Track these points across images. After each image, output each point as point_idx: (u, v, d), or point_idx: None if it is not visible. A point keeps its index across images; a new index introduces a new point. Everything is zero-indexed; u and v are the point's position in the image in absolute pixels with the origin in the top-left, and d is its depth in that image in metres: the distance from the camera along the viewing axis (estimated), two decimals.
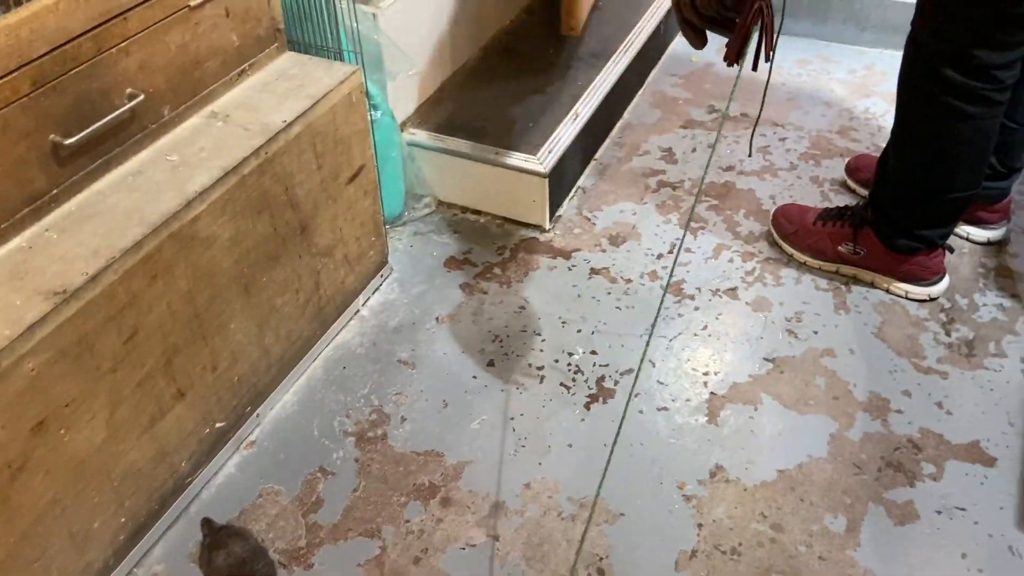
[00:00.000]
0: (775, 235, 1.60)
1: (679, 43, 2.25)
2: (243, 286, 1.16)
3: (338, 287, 1.40)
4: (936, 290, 1.46)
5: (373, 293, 1.52)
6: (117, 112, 1.03)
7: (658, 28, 2.07)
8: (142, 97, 1.06)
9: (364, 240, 1.43)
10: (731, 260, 1.59)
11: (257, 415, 1.28)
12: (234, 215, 1.10)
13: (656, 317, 1.45)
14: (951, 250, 1.46)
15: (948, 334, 1.42)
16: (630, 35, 1.98)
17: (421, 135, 1.67)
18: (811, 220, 1.55)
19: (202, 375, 1.14)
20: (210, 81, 1.17)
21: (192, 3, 1.09)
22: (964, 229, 1.58)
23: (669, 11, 2.11)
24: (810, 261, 1.55)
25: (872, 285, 1.51)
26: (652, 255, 1.61)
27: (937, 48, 1.20)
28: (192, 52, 1.12)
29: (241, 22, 1.18)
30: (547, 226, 1.67)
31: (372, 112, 1.51)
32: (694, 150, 1.87)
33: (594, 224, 1.68)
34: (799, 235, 1.55)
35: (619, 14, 2.07)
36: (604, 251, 1.62)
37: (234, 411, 1.22)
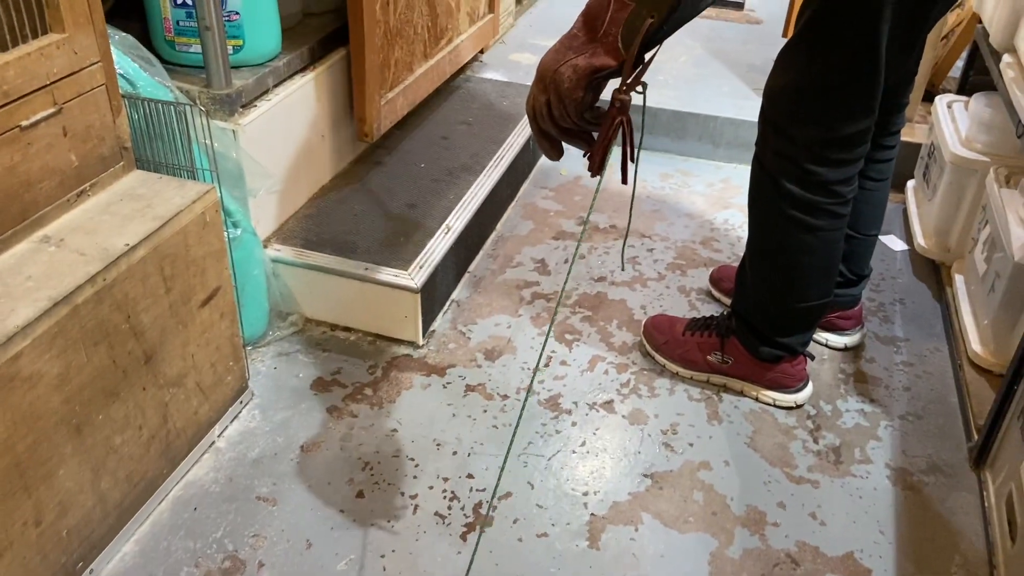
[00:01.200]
0: (647, 346, 1.62)
1: (547, 161, 2.30)
2: (74, 427, 1.04)
3: (190, 419, 1.28)
4: (801, 397, 1.50)
5: (231, 422, 1.41)
6: None
7: (527, 143, 2.12)
8: None
9: (220, 365, 1.33)
10: (606, 372, 1.58)
11: (91, 571, 1.13)
12: (64, 349, 1.00)
13: (512, 437, 1.41)
14: (812, 357, 1.51)
15: (816, 441, 1.44)
16: (500, 149, 2.01)
17: (286, 251, 1.61)
18: (680, 331, 1.57)
19: (23, 532, 1.00)
20: (43, 203, 1.08)
21: (23, 123, 1.01)
22: (822, 336, 1.65)
23: None
24: (682, 371, 1.56)
25: (741, 393, 1.53)
26: (527, 369, 1.58)
27: (780, 166, 1.25)
28: (22, 174, 1.03)
29: (81, 141, 1.11)
30: (420, 342, 1.62)
31: (231, 230, 1.44)
32: (566, 261, 1.89)
33: (469, 338, 1.65)
34: (669, 345, 1.58)
35: (488, 129, 2.10)
36: (479, 366, 1.58)
37: (63, 569, 1.08)
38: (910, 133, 2.21)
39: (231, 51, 1.50)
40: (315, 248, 1.62)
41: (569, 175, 2.21)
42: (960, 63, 2.57)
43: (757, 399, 1.52)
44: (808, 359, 1.50)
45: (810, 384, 1.51)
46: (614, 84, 0.94)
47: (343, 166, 1.89)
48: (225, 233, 1.33)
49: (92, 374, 1.05)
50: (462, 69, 2.31)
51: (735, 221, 2.06)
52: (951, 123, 1.88)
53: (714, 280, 1.81)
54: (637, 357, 1.62)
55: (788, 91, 1.21)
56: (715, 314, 1.58)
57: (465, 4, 2.18)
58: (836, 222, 1.29)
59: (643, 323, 1.65)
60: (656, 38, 0.91)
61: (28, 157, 1.03)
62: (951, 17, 2.35)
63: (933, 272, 1.89)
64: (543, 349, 1.39)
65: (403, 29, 1.86)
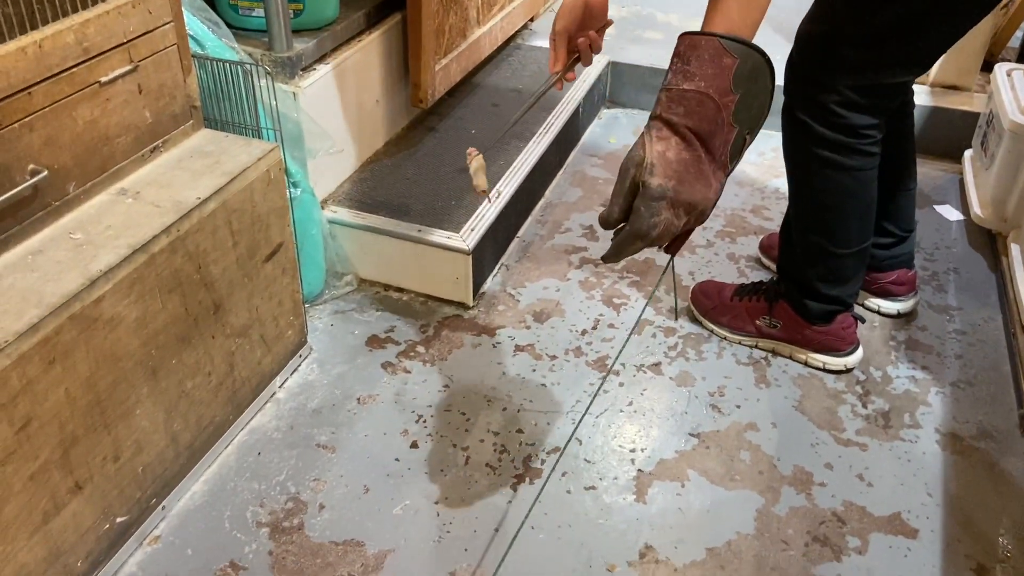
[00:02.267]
0: (695, 312, 1.63)
1: (596, 125, 2.31)
2: (150, 370, 1.10)
3: (254, 369, 1.34)
4: (851, 360, 1.50)
5: (291, 374, 1.47)
6: (17, 189, 0.98)
7: (576, 111, 2.13)
8: (45, 173, 1.01)
9: (282, 320, 1.39)
10: (654, 335, 1.60)
11: (163, 507, 1.20)
12: (141, 295, 1.05)
13: (597, 391, 1.44)
14: (862, 320, 1.51)
15: (865, 406, 1.45)
16: (549, 117, 2.03)
17: (343, 212, 1.65)
18: (728, 296, 1.59)
19: (103, 466, 1.06)
20: (120, 158, 1.13)
21: (103, 79, 1.06)
22: (875, 302, 1.65)
23: (587, 94, 2.18)
24: (730, 336, 1.58)
25: (791, 358, 1.54)
26: (576, 331, 1.61)
27: (810, 111, 1.27)
28: (102, 128, 1.08)
29: (155, 99, 1.16)
30: (471, 303, 1.65)
31: (292, 190, 1.48)
32: None
33: (518, 301, 1.68)
34: (718, 310, 1.59)
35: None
36: (528, 328, 1.61)
37: (137, 504, 1.14)
38: (968, 102, 2.17)
39: (291, 15, 1.54)
40: (370, 210, 1.66)
41: (618, 143, 2.22)
42: (1020, 33, 2.52)
43: (807, 363, 1.52)
44: (859, 322, 1.50)
45: (860, 348, 1.51)
46: None
47: (397, 131, 1.92)
48: (287, 192, 1.38)
49: (167, 320, 1.11)
50: (513, 37, 2.32)
51: (786, 190, 2.05)
52: (1011, 91, 1.85)
53: (764, 248, 1.81)
54: (684, 322, 1.64)
55: (826, 37, 1.22)
56: (764, 280, 1.59)
57: None
58: (869, 160, 1.31)
59: (691, 289, 1.66)
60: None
61: (107, 112, 1.08)
62: None
63: (989, 242, 1.87)
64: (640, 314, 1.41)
65: None
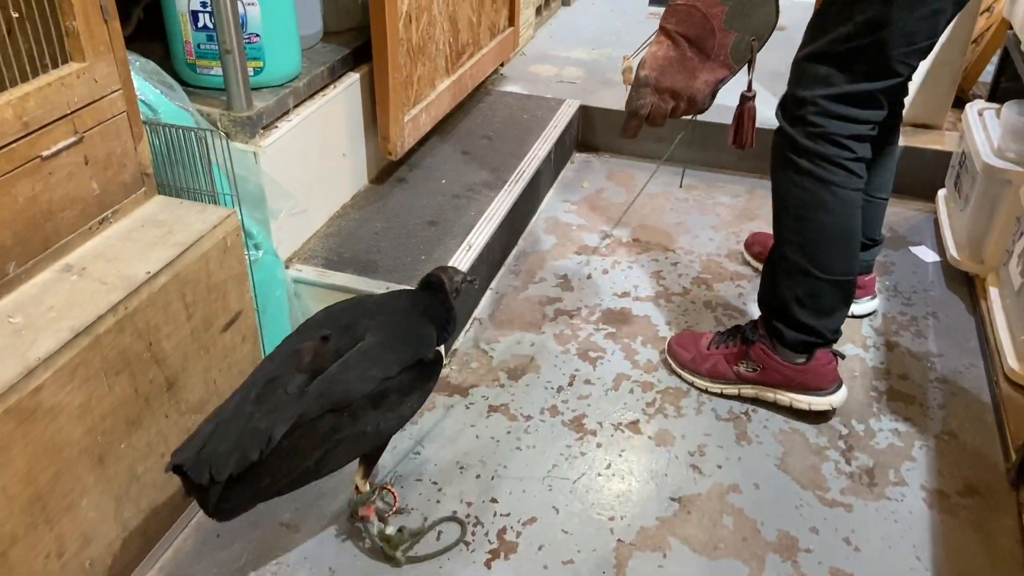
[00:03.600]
0: (673, 365, 1.59)
1: (569, 170, 2.29)
2: (96, 457, 1.04)
3: None
4: (836, 399, 1.46)
5: None
6: None
7: (549, 155, 2.10)
8: None
9: None
10: (631, 391, 1.56)
11: None
12: (85, 380, 0.99)
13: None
14: (842, 356, 1.48)
15: (848, 462, 1.41)
16: (521, 163, 2.00)
17: (308, 271, 1.60)
18: (705, 345, 1.55)
19: (46, 564, 0.99)
20: (65, 232, 1.08)
21: (44, 153, 1.01)
22: None
23: (559, 139, 2.16)
24: (711, 386, 1.54)
25: (775, 404, 1.50)
26: (552, 388, 1.56)
27: (793, 125, 1.34)
28: (44, 203, 1.03)
29: (102, 169, 1.11)
30: (443, 361, 1.60)
31: (253, 252, 1.43)
32: (589, 276, 1.87)
33: (491, 357, 1.63)
34: (695, 361, 1.56)
35: (509, 143, 2.09)
36: (503, 386, 1.56)
37: None
38: (940, 141, 2.17)
39: (251, 73, 1.50)
40: (337, 268, 1.61)
41: (591, 188, 2.19)
42: (991, 67, 2.53)
43: (791, 407, 1.48)
44: (839, 359, 1.47)
45: (844, 388, 1.46)
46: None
47: (365, 183, 1.88)
48: (246, 255, 1.33)
49: (114, 403, 1.05)
50: (483, 83, 2.30)
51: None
52: (983, 131, 1.84)
53: (747, 244, 1.91)
54: (663, 375, 1.60)
55: (805, 59, 1.32)
56: (740, 324, 1.56)
57: (486, 18, 2.17)
58: (850, 179, 1.33)
59: (667, 341, 1.62)
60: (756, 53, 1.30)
61: (50, 186, 1.03)
62: (981, 21, 2.30)
63: (966, 284, 1.85)
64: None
65: (425, 46, 1.86)
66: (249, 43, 1.48)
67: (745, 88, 1.37)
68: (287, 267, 1.60)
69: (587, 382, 1.58)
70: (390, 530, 1.22)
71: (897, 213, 2.10)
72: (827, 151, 1.31)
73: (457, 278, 1.30)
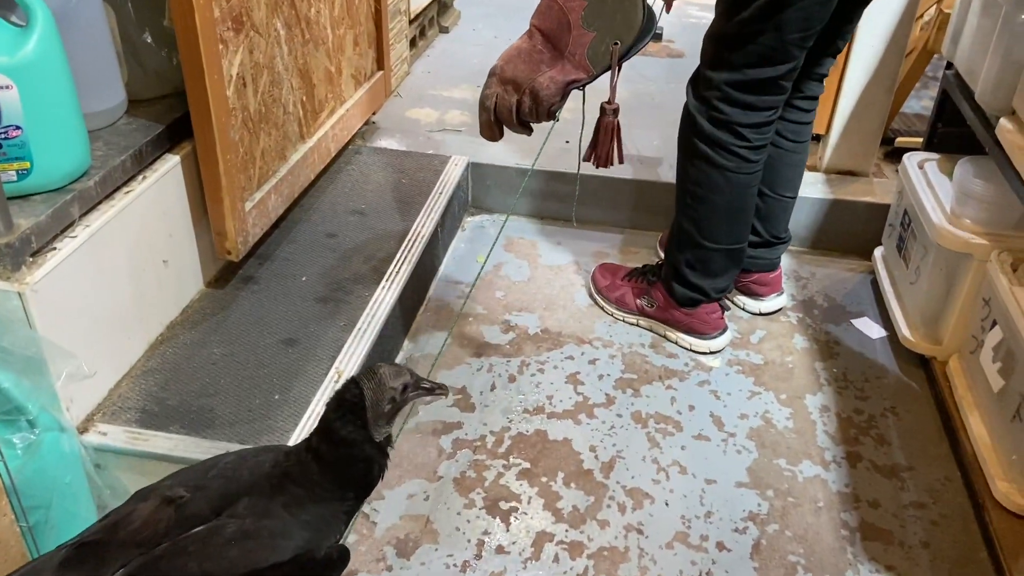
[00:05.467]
0: (591, 289, 1.74)
1: (460, 240, 1.94)
2: None
3: None
4: (716, 344, 1.61)
5: None
6: None
7: (436, 230, 1.75)
8: None
9: None
10: (556, 557, 1.23)
11: None
12: None
13: None
14: (727, 308, 1.63)
15: None
16: (403, 246, 1.63)
17: (115, 434, 1.19)
18: (621, 276, 1.70)
19: None
20: None
21: None
22: (740, 299, 1.73)
23: (446, 207, 1.81)
24: (616, 313, 1.69)
25: (664, 337, 1.65)
26: (455, 567, 1.21)
27: (698, 106, 1.41)
28: None
29: None
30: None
31: (21, 434, 1.02)
32: (493, 387, 1.53)
33: (373, 524, 1.27)
34: (609, 288, 1.70)
35: (385, 218, 1.72)
36: (390, 568, 1.20)
37: None
38: (870, 192, 1.94)
39: (13, 178, 1.08)
40: (156, 425, 1.21)
41: (489, 265, 1.85)
42: (916, 104, 2.34)
43: (677, 343, 1.63)
44: (724, 309, 1.61)
45: (727, 333, 1.61)
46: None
47: (196, 293, 1.47)
48: (13, 440, 0.93)
49: None
50: (351, 140, 1.92)
51: None
52: (928, 189, 1.61)
53: (662, 243, 1.86)
54: (593, 529, 1.27)
55: (712, 38, 1.37)
56: (650, 264, 1.70)
57: (348, 66, 1.79)
58: (745, 165, 1.41)
59: (592, 271, 1.75)
60: (622, 59, 1.22)
61: None
62: (915, 30, 2.07)
63: (921, 366, 1.61)
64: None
65: (270, 112, 1.47)
66: (7, 139, 1.06)
67: (606, 99, 1.29)
68: (85, 431, 1.18)
69: (500, 550, 1.24)
70: None
71: (830, 275, 1.87)
72: (726, 140, 1.38)
73: (394, 384, 0.90)
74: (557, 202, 1.98)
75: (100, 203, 1.19)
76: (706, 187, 1.44)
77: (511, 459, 1.39)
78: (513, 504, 1.31)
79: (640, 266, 1.70)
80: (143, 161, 1.28)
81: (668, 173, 1.93)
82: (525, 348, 1.63)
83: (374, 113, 2.05)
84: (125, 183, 1.25)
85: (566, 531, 1.27)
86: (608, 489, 1.34)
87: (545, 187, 1.98)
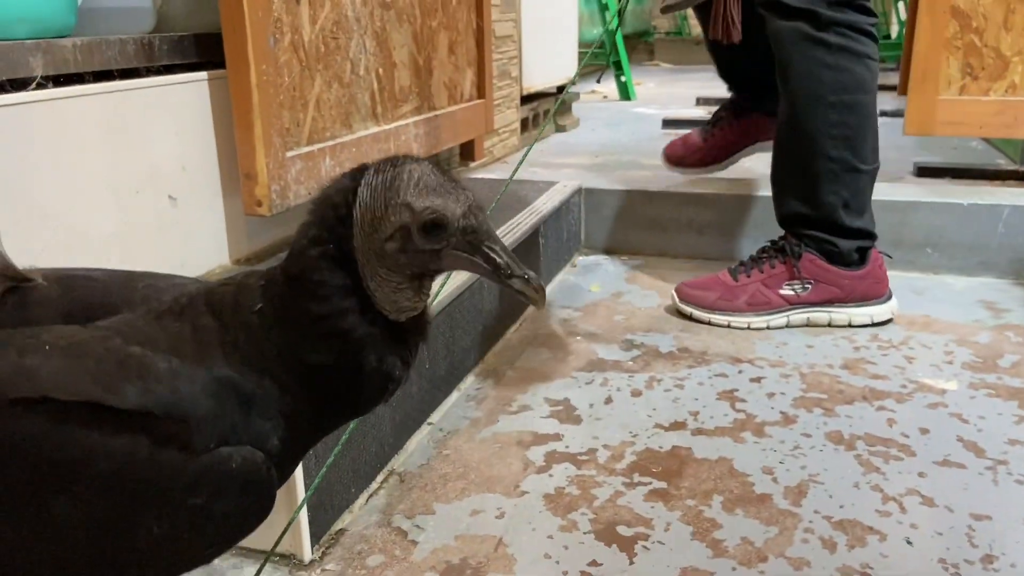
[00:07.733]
0: (695, 313, 1.29)
1: (570, 273, 1.53)
2: None
3: None
4: (892, 306, 1.27)
5: None
6: None
7: (536, 237, 1.36)
8: None
9: None
10: None
11: None
12: None
13: None
14: (889, 256, 1.31)
15: None
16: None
17: None
18: (731, 277, 1.28)
19: None
20: None
21: None
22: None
23: (552, 226, 1.43)
24: (754, 321, 1.26)
25: (829, 325, 1.25)
26: None
27: (808, 4, 1.19)
28: None
29: None
30: (306, 556, 0.76)
31: None
32: (609, 401, 1.05)
33: (412, 544, 0.78)
34: (726, 298, 1.28)
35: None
36: None
37: None
38: None
39: None
40: None
41: (604, 291, 1.42)
42: None
43: (850, 324, 1.25)
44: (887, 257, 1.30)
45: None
46: None
47: (217, 267, 1.13)
48: None
49: None
50: (439, 155, 1.62)
51: (888, 335, 1.23)
52: None
53: (667, 155, 1.58)
54: (784, 569, 0.73)
55: None
56: (767, 244, 1.31)
57: (440, 70, 1.54)
58: (876, 49, 1.23)
59: (675, 288, 1.33)
60: None
61: None
62: None
63: None
64: None
65: (331, 56, 1.20)
66: None
67: None
68: None
69: None
70: None
71: None
72: (855, 19, 1.20)
73: (428, 215, 0.46)
74: (694, 234, 1.58)
75: (82, 76, 0.91)
76: (853, 88, 1.21)
77: (635, 476, 0.88)
78: (640, 529, 0.79)
79: (754, 253, 1.32)
80: (153, 57, 1.00)
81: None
82: (655, 365, 1.15)
83: (473, 149, 1.77)
84: (124, 72, 0.96)
85: (733, 570, 0.74)
86: (800, 519, 0.81)
87: (671, 214, 1.59)
